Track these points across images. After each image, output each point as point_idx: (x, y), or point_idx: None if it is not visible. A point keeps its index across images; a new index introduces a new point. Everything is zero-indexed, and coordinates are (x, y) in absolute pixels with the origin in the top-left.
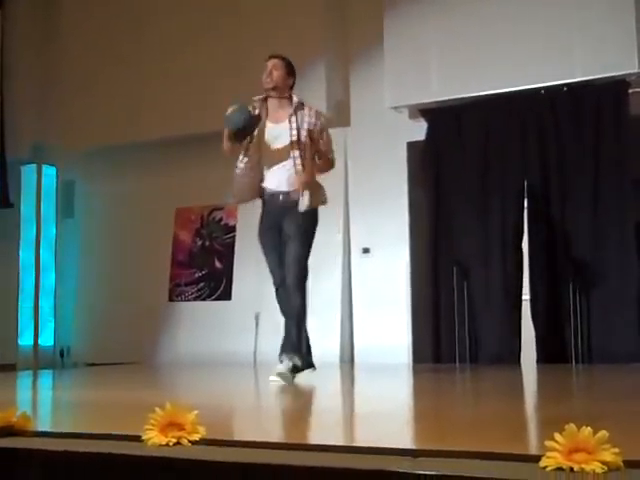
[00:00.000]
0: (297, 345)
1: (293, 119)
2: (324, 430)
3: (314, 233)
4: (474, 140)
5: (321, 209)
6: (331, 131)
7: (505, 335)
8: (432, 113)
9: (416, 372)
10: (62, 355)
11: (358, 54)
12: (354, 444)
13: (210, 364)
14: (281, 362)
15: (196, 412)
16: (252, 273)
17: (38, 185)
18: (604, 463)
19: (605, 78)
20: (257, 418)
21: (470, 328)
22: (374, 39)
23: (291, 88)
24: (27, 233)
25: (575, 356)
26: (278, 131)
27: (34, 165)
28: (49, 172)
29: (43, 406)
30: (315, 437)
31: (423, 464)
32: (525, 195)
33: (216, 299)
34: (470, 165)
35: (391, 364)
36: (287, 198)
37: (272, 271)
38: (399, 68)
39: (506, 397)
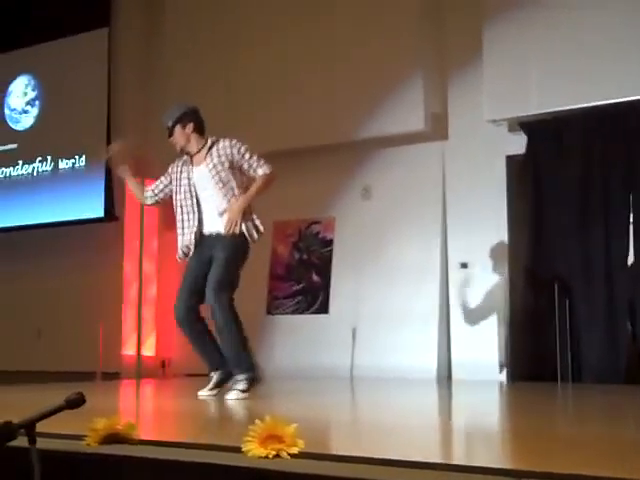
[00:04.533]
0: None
1: (209, 158)
2: (419, 446)
3: (240, 263)
4: (576, 153)
5: (418, 223)
6: (428, 145)
7: (609, 354)
8: (532, 126)
9: (514, 390)
10: (163, 365)
11: (456, 66)
12: (452, 462)
13: (307, 378)
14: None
15: (295, 425)
16: (349, 287)
17: None
18: None
19: None
20: (355, 432)
21: (572, 346)
22: (473, 51)
23: (197, 128)
24: (131, 245)
25: None
26: (201, 173)
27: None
28: None
29: (146, 415)
30: (414, 454)
31: None
32: (631, 209)
33: (313, 313)
34: (572, 179)
35: (489, 381)
36: (218, 235)
37: (181, 299)
38: (498, 80)
39: (609, 418)
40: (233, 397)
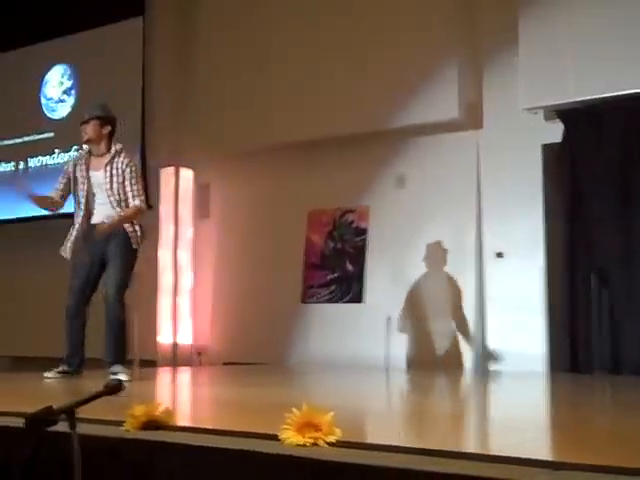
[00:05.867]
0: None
1: (108, 168)
2: (458, 436)
3: (132, 265)
4: (614, 141)
5: (452, 212)
6: (463, 134)
7: None
8: (569, 114)
9: (552, 381)
10: (199, 353)
11: (491, 53)
12: (490, 452)
13: (341, 366)
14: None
15: (332, 413)
16: (384, 276)
17: (176, 187)
18: None
19: None
20: (391, 422)
21: (610, 337)
22: (508, 37)
23: (111, 135)
24: (165, 234)
25: None
26: (97, 179)
27: (172, 168)
28: (186, 175)
29: (183, 402)
30: (449, 443)
31: (563, 477)
32: None
33: (348, 302)
34: (610, 167)
35: (526, 372)
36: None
37: (73, 293)
38: (534, 68)
39: None
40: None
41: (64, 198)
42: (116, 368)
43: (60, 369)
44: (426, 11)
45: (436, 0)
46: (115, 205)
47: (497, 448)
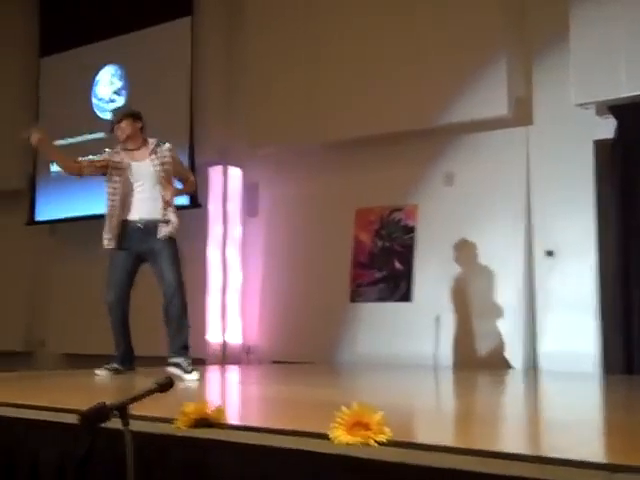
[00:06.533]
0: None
1: (153, 156)
2: (510, 437)
3: (178, 252)
4: None
5: (501, 210)
6: (512, 130)
7: None
8: (622, 109)
9: (606, 382)
10: (248, 352)
11: (541, 47)
12: (544, 454)
13: (389, 365)
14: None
15: (382, 413)
16: (432, 275)
17: (224, 186)
18: None
19: None
20: (441, 421)
21: None
22: (559, 31)
23: (142, 129)
24: (214, 232)
25: None
26: (141, 169)
27: (220, 167)
28: (234, 173)
29: (233, 400)
30: (501, 444)
31: None
32: None
33: (396, 301)
34: None
35: (578, 372)
36: (149, 224)
37: (113, 287)
38: (586, 62)
39: None
40: (193, 378)
41: (83, 170)
42: (182, 361)
43: (110, 366)
44: (475, 7)
45: None
46: (160, 192)
47: (551, 450)
